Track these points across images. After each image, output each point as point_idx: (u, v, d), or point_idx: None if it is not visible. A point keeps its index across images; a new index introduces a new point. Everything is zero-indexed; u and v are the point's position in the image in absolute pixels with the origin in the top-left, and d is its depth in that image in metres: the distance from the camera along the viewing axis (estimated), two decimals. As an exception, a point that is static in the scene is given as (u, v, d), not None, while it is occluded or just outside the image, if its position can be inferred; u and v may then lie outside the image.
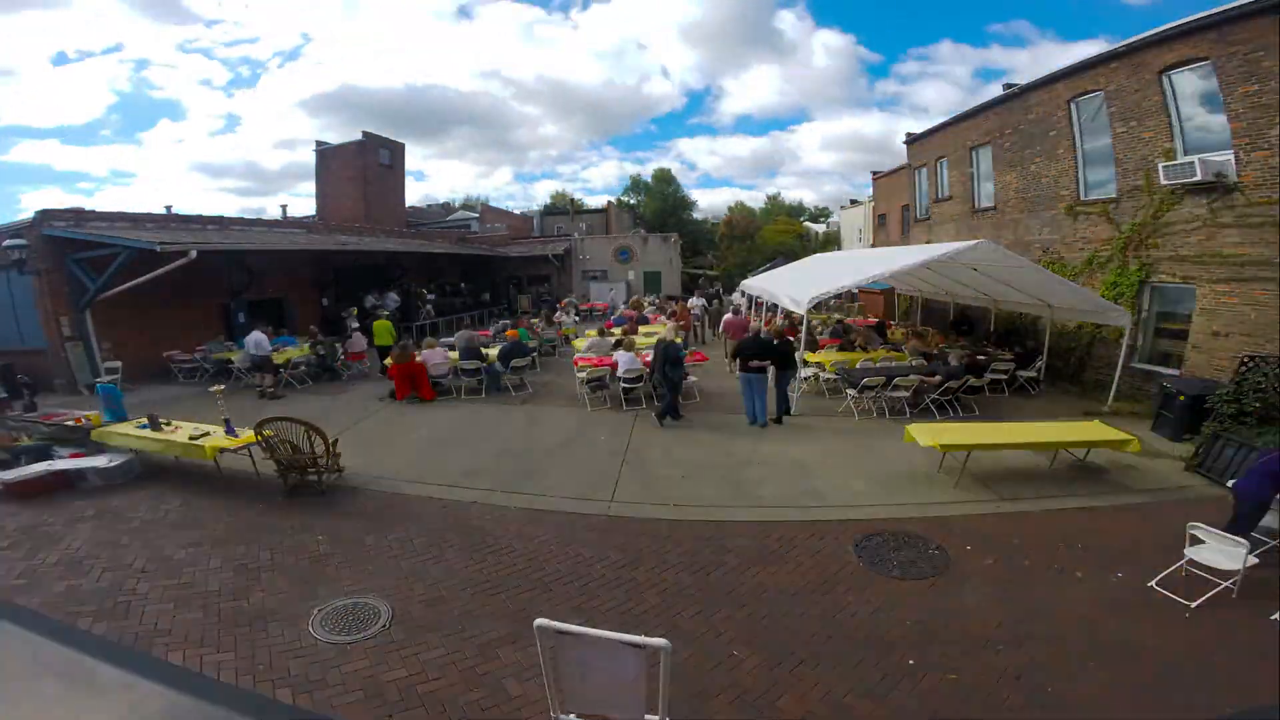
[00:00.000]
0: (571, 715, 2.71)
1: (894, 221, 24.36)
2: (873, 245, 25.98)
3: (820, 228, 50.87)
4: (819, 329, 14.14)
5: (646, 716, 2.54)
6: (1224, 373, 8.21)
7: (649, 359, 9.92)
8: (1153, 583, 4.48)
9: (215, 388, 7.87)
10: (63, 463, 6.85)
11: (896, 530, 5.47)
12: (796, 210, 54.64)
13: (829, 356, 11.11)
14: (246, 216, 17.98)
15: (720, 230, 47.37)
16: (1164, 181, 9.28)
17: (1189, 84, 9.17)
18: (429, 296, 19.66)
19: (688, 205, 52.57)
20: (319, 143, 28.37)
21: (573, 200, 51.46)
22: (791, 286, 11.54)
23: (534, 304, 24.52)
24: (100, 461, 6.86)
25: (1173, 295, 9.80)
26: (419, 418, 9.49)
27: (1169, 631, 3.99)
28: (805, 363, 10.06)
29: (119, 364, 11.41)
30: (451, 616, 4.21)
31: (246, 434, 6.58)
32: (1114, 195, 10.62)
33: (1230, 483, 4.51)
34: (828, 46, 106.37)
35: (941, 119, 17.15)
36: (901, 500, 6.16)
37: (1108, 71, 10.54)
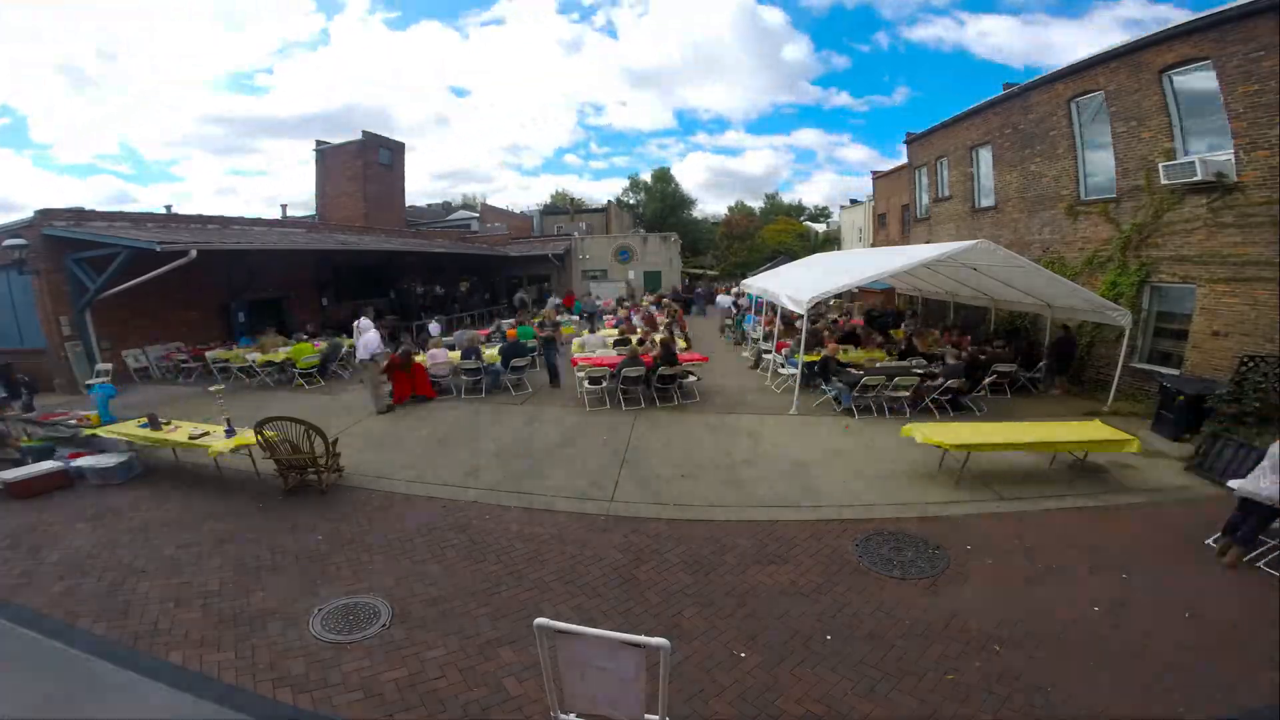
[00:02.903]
0: (571, 715, 2.71)
1: (894, 221, 24.38)
2: (873, 245, 25.99)
3: (820, 228, 50.90)
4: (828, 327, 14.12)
5: (646, 716, 2.54)
6: (1224, 372, 8.20)
7: (651, 358, 9.94)
8: (1209, 540, 5.01)
9: (215, 388, 7.89)
10: (63, 463, 6.86)
11: (896, 530, 5.47)
12: (796, 210, 54.62)
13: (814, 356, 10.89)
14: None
15: (720, 230, 47.40)
16: (1164, 181, 9.28)
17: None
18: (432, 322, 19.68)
19: (688, 205, 52.59)
20: (319, 142, 28.35)
21: (572, 200, 51.45)
22: (791, 286, 11.54)
23: (527, 303, 24.41)
24: (100, 461, 6.86)
25: (1173, 295, 9.80)
26: (419, 417, 9.49)
27: (1169, 631, 3.99)
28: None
29: (109, 366, 11.41)
30: (451, 616, 4.21)
31: (246, 434, 6.58)
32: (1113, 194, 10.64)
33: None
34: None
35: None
36: (901, 500, 6.15)
37: (1108, 71, 10.54)
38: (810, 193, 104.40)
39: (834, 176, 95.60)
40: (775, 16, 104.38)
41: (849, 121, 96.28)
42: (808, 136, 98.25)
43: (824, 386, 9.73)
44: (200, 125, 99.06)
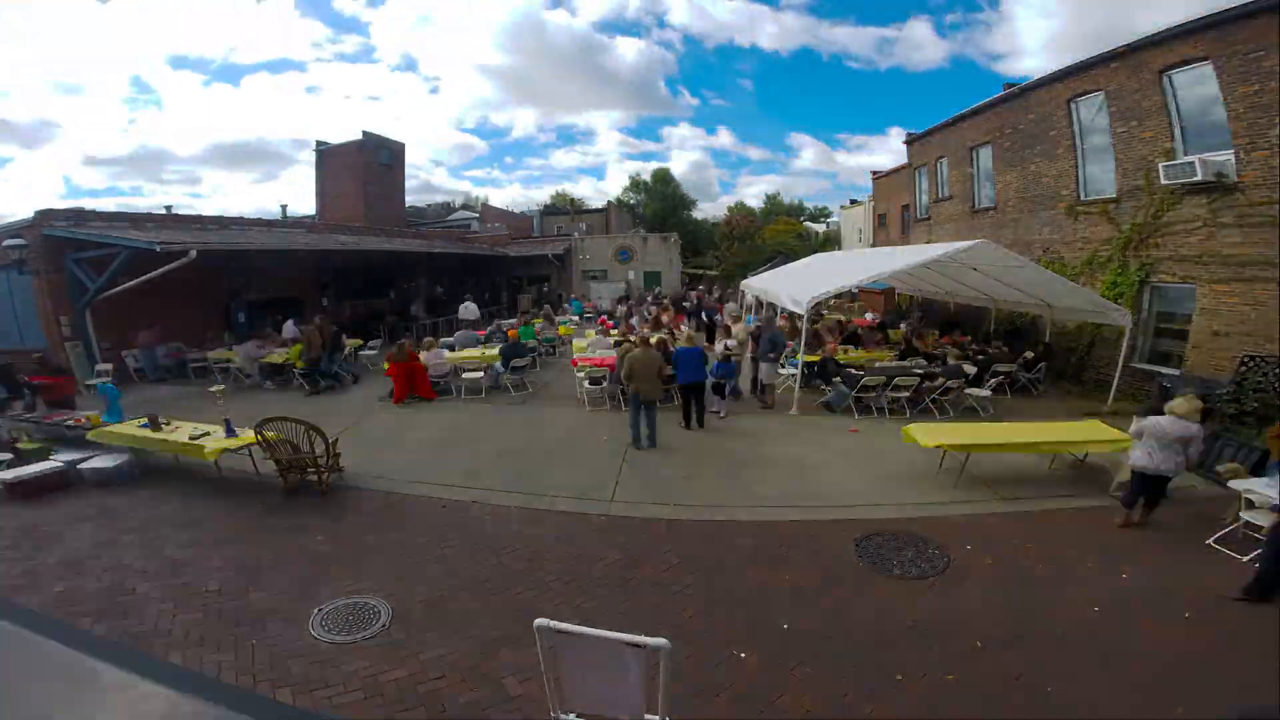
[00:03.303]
0: (571, 715, 2.70)
1: (894, 221, 24.36)
2: (873, 245, 25.98)
3: (820, 228, 50.85)
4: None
5: (646, 716, 2.54)
6: (1224, 372, 8.21)
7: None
8: (1210, 540, 5.10)
9: (215, 388, 7.89)
10: (63, 463, 6.85)
11: (896, 530, 5.47)
12: (796, 210, 54.60)
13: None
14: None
15: (720, 230, 47.33)
16: (1164, 181, 9.28)
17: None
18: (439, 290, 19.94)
19: (688, 205, 52.59)
20: (319, 142, 28.38)
21: (572, 200, 51.50)
22: (792, 286, 11.55)
23: (534, 303, 24.41)
24: (100, 461, 6.86)
25: (1173, 295, 9.81)
26: (419, 418, 9.49)
27: (1169, 631, 3.99)
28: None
29: (109, 366, 11.41)
30: (451, 616, 4.21)
31: (246, 434, 6.58)
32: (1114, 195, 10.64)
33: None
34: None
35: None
36: (901, 500, 6.16)
37: (1108, 71, 10.55)
38: (753, 195, 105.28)
39: (750, 176, 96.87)
40: (569, 23, 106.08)
41: (717, 122, 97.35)
42: (682, 134, 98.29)
43: (823, 387, 9.73)
44: (94, 164, 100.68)
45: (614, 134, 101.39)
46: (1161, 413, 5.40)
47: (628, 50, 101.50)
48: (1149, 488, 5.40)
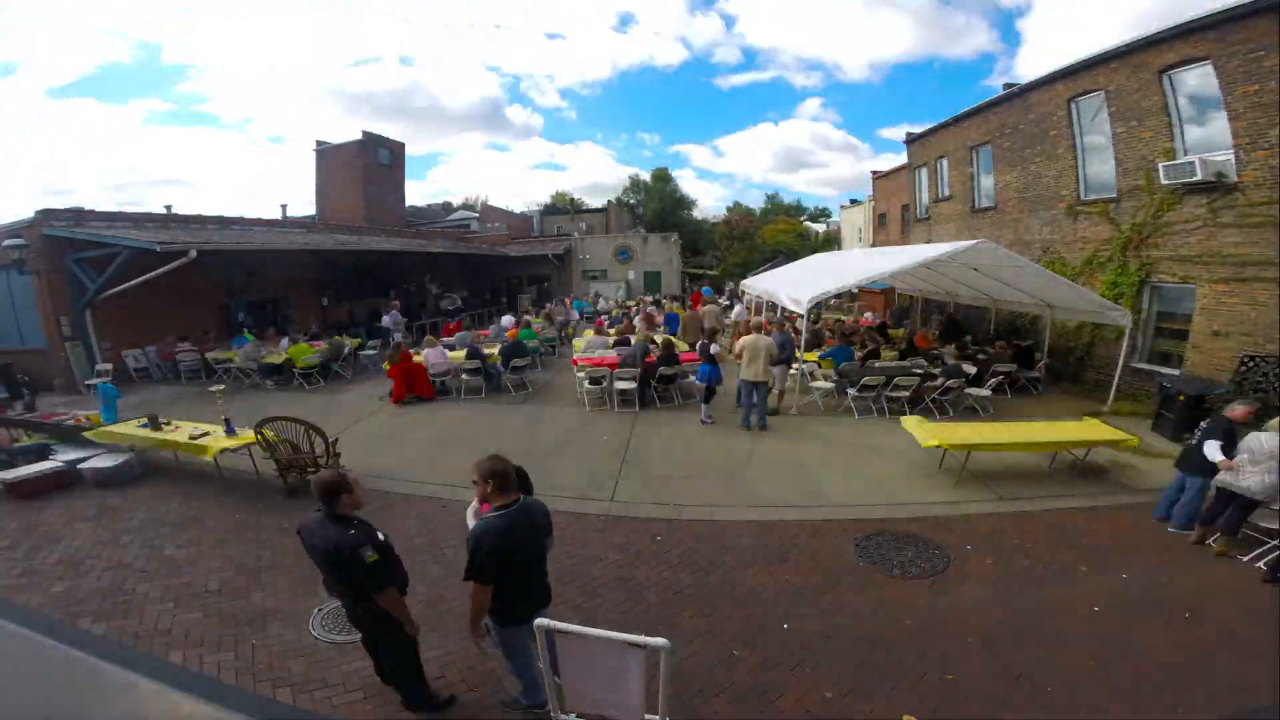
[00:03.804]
0: (571, 715, 2.71)
1: (894, 221, 24.38)
2: (873, 245, 25.98)
3: (820, 228, 50.88)
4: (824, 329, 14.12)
5: (646, 716, 2.54)
6: (1224, 372, 8.21)
7: (654, 358, 9.93)
8: (1210, 540, 5.05)
9: (215, 388, 7.88)
10: (63, 463, 6.85)
11: (896, 530, 5.47)
12: (796, 210, 54.62)
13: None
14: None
15: (720, 230, 47.35)
16: (1164, 181, 9.28)
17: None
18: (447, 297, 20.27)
19: (687, 204, 52.65)
20: (319, 142, 28.33)
21: (572, 200, 51.53)
22: (791, 286, 11.54)
23: (534, 304, 24.45)
24: (100, 461, 6.86)
25: (1173, 295, 9.80)
26: (419, 417, 9.49)
27: (1169, 631, 3.99)
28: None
29: (110, 365, 11.40)
30: (451, 616, 4.20)
31: (246, 434, 6.57)
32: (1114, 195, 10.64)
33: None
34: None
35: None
36: (901, 500, 6.16)
37: (1108, 71, 10.54)
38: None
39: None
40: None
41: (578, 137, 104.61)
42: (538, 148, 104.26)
43: (810, 385, 9.75)
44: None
45: (488, 153, 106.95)
46: None
47: (443, 83, 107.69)
48: (1232, 507, 4.92)
